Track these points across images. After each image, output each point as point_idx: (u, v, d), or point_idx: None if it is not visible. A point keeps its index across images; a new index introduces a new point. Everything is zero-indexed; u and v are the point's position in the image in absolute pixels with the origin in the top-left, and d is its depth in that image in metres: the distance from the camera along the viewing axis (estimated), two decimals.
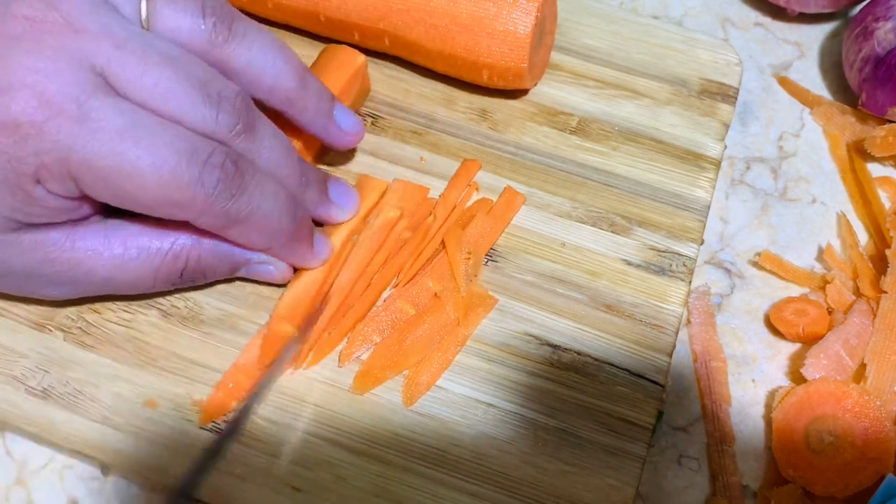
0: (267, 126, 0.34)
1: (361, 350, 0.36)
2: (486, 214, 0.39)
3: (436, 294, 0.37)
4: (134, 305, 0.36)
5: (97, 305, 0.36)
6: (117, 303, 0.36)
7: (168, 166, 0.29)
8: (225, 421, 0.34)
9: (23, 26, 0.29)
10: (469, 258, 0.38)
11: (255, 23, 0.34)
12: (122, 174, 0.29)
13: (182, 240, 0.33)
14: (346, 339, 0.36)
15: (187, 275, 0.34)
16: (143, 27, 0.31)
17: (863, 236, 0.43)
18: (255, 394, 0.34)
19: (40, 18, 0.29)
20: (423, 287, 0.37)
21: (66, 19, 0.29)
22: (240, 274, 0.36)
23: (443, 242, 0.38)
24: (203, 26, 0.32)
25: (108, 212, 0.33)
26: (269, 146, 0.33)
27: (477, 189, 0.41)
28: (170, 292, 0.36)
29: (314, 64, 0.41)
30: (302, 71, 0.35)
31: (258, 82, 0.34)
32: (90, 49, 0.29)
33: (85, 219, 0.33)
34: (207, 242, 0.34)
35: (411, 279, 0.37)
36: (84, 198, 0.31)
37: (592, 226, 0.40)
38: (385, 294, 0.38)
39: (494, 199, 0.41)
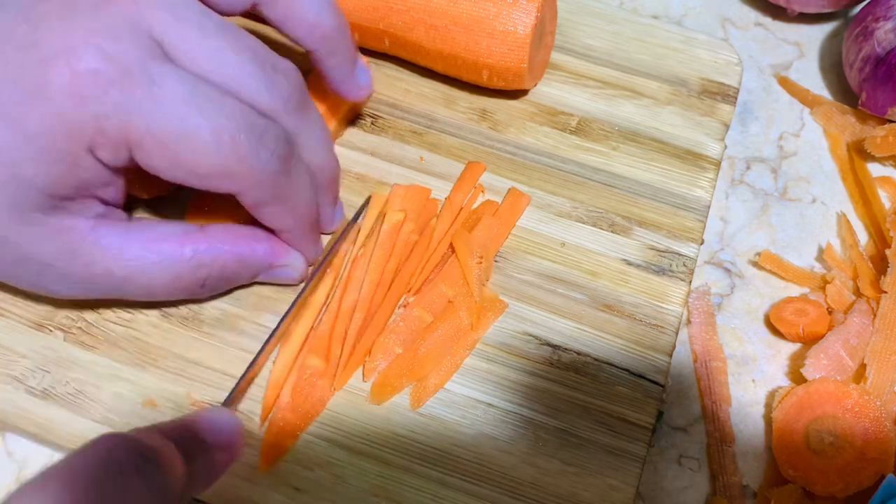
0: (314, 108, 0.34)
1: (384, 362, 0.36)
2: (493, 216, 0.39)
3: (450, 300, 0.37)
4: (134, 305, 0.36)
5: (97, 305, 0.36)
6: (117, 302, 0.36)
7: (228, 136, 0.30)
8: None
9: None
10: (481, 262, 0.38)
11: None
12: (182, 141, 0.29)
13: (205, 247, 0.33)
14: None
15: (210, 283, 0.34)
16: None
17: (863, 236, 0.43)
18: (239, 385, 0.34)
19: None
20: (438, 293, 0.37)
21: None
22: (259, 279, 0.36)
23: (451, 246, 0.38)
24: None
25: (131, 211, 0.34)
26: (318, 127, 0.34)
27: (483, 191, 0.41)
28: None
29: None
30: (341, 16, 0.36)
31: (302, 17, 0.34)
32: (150, 17, 0.29)
33: (105, 207, 0.32)
34: (229, 249, 0.34)
35: (423, 285, 0.37)
36: (125, 168, 0.31)
37: (592, 226, 0.40)
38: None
39: (495, 199, 0.41)
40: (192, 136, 0.29)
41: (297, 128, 0.33)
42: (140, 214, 0.38)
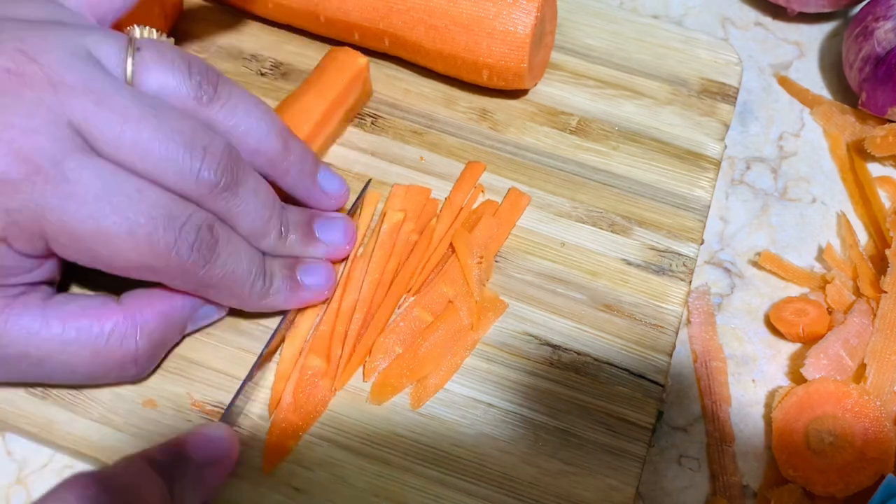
0: (251, 179, 0.32)
1: (385, 362, 0.36)
2: (493, 216, 0.39)
3: (450, 300, 0.37)
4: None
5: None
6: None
7: (144, 232, 0.29)
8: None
9: (0, 79, 0.28)
10: (481, 262, 0.38)
11: (239, 85, 0.33)
12: (98, 239, 0.28)
13: (122, 321, 0.31)
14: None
15: (142, 355, 0.32)
16: (127, 83, 0.30)
17: (863, 236, 0.43)
18: (242, 389, 0.34)
19: (19, 72, 0.28)
20: (438, 293, 0.37)
21: (45, 73, 0.28)
22: (188, 330, 0.35)
23: (451, 246, 0.38)
24: (189, 86, 0.31)
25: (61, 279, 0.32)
26: (253, 201, 0.32)
27: (483, 191, 0.41)
28: None
29: (317, 67, 0.41)
30: (285, 134, 0.34)
31: (242, 144, 0.33)
32: (69, 105, 0.28)
33: (25, 287, 0.31)
34: (149, 312, 0.32)
35: (423, 285, 0.37)
36: (46, 256, 0.30)
37: (592, 226, 0.40)
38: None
39: (495, 198, 0.41)
40: (106, 234, 0.28)
41: (230, 207, 0.31)
42: (74, 288, 0.36)
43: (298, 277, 0.35)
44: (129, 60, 0.30)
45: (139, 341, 0.32)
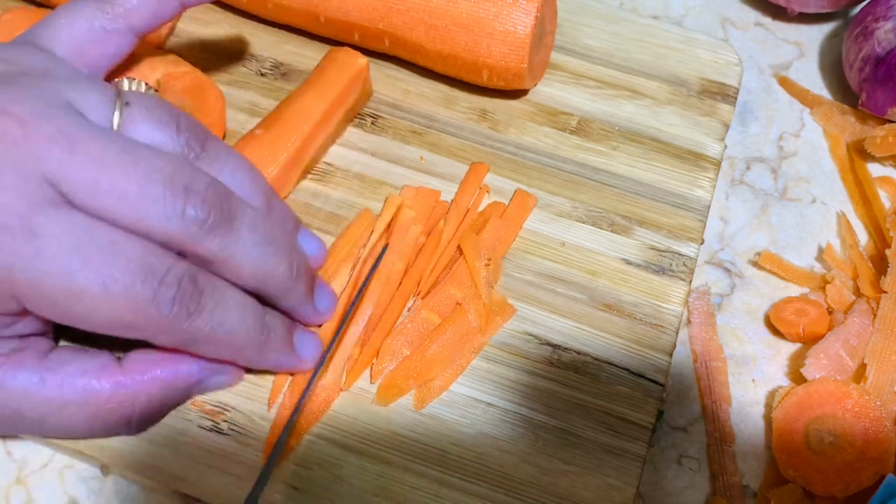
0: (247, 214, 0.31)
1: (392, 364, 0.36)
2: (500, 218, 0.39)
3: (458, 302, 0.37)
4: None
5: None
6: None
7: (120, 287, 0.27)
8: (226, 422, 0.34)
9: None
10: (489, 264, 0.38)
11: (226, 144, 0.33)
12: (70, 296, 0.27)
13: (123, 380, 0.30)
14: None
15: (137, 420, 0.31)
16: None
17: (863, 236, 0.43)
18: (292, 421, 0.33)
19: None
20: (446, 295, 0.37)
21: (19, 124, 0.27)
22: (193, 395, 0.34)
23: (459, 248, 0.38)
24: (176, 141, 0.30)
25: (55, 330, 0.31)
26: (251, 238, 0.30)
27: (488, 192, 0.41)
28: None
29: (317, 67, 0.41)
30: (269, 193, 0.33)
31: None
32: (42, 155, 0.27)
33: (18, 341, 0.30)
34: (150, 379, 0.31)
35: (431, 288, 0.37)
36: (21, 314, 0.29)
37: (592, 225, 0.40)
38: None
39: (496, 198, 0.41)
40: (80, 290, 0.27)
41: (220, 248, 0.29)
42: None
43: (294, 340, 0.34)
44: (117, 114, 0.29)
45: (136, 407, 0.31)
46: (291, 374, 0.35)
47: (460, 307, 0.37)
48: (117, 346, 0.31)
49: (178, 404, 0.34)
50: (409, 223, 0.38)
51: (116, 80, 0.32)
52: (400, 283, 0.37)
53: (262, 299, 0.32)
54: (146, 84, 0.32)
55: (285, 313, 0.34)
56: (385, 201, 0.40)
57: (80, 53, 0.32)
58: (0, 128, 0.27)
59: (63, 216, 0.27)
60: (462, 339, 0.36)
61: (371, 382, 0.35)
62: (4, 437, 0.33)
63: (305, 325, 0.35)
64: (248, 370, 0.34)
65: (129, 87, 0.31)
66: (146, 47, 0.40)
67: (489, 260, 0.38)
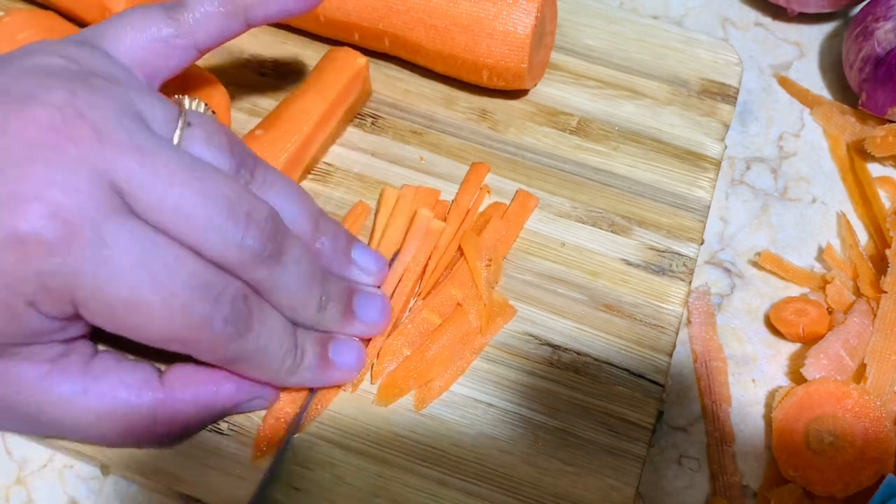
0: (294, 248, 0.31)
1: (393, 364, 0.36)
2: (501, 219, 0.39)
3: (459, 303, 0.37)
4: None
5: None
6: None
7: (180, 303, 0.27)
8: (226, 422, 0.34)
9: (46, 133, 0.26)
10: (490, 265, 0.38)
11: (276, 169, 0.33)
12: (128, 308, 0.27)
13: (161, 397, 0.31)
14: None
15: (173, 438, 0.32)
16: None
17: (863, 236, 0.43)
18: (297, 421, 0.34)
19: (65, 127, 0.26)
20: (447, 296, 0.37)
21: (92, 129, 0.27)
22: (229, 415, 0.34)
23: (460, 249, 0.38)
24: (229, 165, 0.30)
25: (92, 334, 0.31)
26: (296, 270, 0.31)
27: (489, 192, 0.41)
28: None
29: (316, 66, 0.41)
30: (317, 216, 0.34)
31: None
32: (113, 162, 0.27)
33: (64, 345, 0.30)
34: (190, 399, 0.31)
35: (433, 288, 0.37)
36: (73, 319, 0.28)
37: (592, 226, 0.40)
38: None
39: (496, 198, 0.41)
40: (141, 304, 0.27)
41: (266, 278, 0.30)
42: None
43: (330, 356, 0.34)
44: (178, 133, 0.29)
45: (174, 426, 0.31)
46: (338, 387, 0.35)
47: (461, 308, 0.37)
48: (155, 354, 0.31)
49: (214, 422, 0.34)
50: (427, 222, 0.38)
51: (177, 96, 0.31)
52: (398, 283, 0.37)
53: None
54: (206, 104, 0.32)
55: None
56: (381, 195, 0.40)
57: (141, 62, 0.31)
58: (76, 132, 0.26)
59: (130, 226, 0.27)
60: (462, 340, 0.36)
61: (371, 383, 0.35)
62: (34, 436, 0.33)
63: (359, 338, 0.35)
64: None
65: (191, 107, 0.31)
66: None
67: (490, 261, 0.38)
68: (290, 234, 0.31)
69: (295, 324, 0.32)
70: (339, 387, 0.35)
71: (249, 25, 0.34)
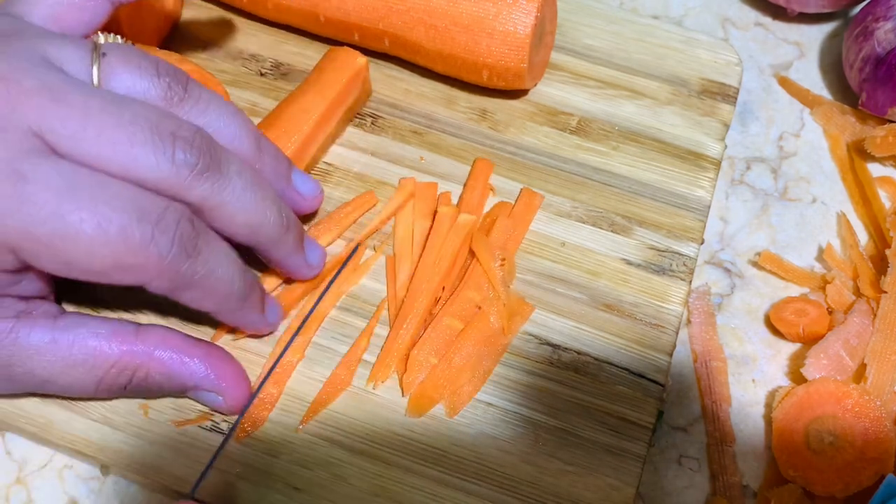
0: (234, 162, 0.31)
1: (422, 375, 0.35)
2: (507, 217, 0.39)
3: (478, 306, 0.37)
4: (133, 306, 0.36)
5: (97, 307, 0.36)
6: (116, 303, 0.36)
7: (115, 227, 0.27)
8: (226, 422, 0.34)
9: None
10: (503, 264, 0.38)
11: (212, 90, 0.33)
12: (65, 240, 0.27)
13: (131, 353, 0.31)
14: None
15: (131, 389, 0.32)
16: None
17: (863, 236, 0.43)
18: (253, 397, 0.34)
19: None
20: (466, 299, 0.37)
21: (1, 78, 0.27)
22: (187, 396, 0.34)
23: (471, 251, 0.38)
24: (158, 86, 0.30)
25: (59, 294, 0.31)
26: (239, 184, 0.31)
27: (493, 191, 0.41)
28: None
29: (316, 66, 0.41)
30: (257, 134, 0.33)
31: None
32: (25, 107, 0.27)
33: (25, 302, 0.30)
34: (158, 359, 0.32)
35: (451, 294, 0.37)
36: (22, 270, 0.29)
37: (592, 225, 0.40)
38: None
39: (500, 199, 0.41)
40: (74, 233, 0.27)
41: (211, 193, 0.30)
42: (72, 307, 0.36)
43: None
44: (95, 66, 0.29)
45: (134, 378, 0.32)
46: (256, 337, 0.35)
47: (481, 311, 0.37)
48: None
49: (173, 394, 0.34)
50: (450, 219, 0.38)
51: (92, 35, 0.32)
52: (413, 278, 0.37)
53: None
54: (121, 37, 0.32)
55: (275, 266, 0.35)
56: (399, 185, 0.40)
57: (54, 19, 0.31)
58: None
59: (50, 163, 0.27)
60: (486, 342, 0.36)
61: (402, 395, 0.35)
62: (16, 396, 0.34)
63: (296, 278, 0.36)
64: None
65: (105, 40, 0.31)
66: (149, 47, 0.40)
67: (503, 260, 0.38)
68: (226, 150, 0.31)
69: (254, 250, 0.33)
70: (341, 388, 0.35)
71: None
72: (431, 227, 0.39)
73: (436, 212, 0.39)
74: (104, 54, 0.30)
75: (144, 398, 0.34)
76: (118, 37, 0.32)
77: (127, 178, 0.28)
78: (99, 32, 0.32)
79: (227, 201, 0.30)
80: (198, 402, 0.34)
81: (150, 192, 0.28)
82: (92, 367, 0.31)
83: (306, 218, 0.39)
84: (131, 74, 0.30)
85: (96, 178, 0.27)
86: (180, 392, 0.33)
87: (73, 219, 0.27)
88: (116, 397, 0.33)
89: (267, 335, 0.36)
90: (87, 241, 0.27)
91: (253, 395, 0.34)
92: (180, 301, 0.31)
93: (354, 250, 0.38)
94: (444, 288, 0.37)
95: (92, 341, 0.31)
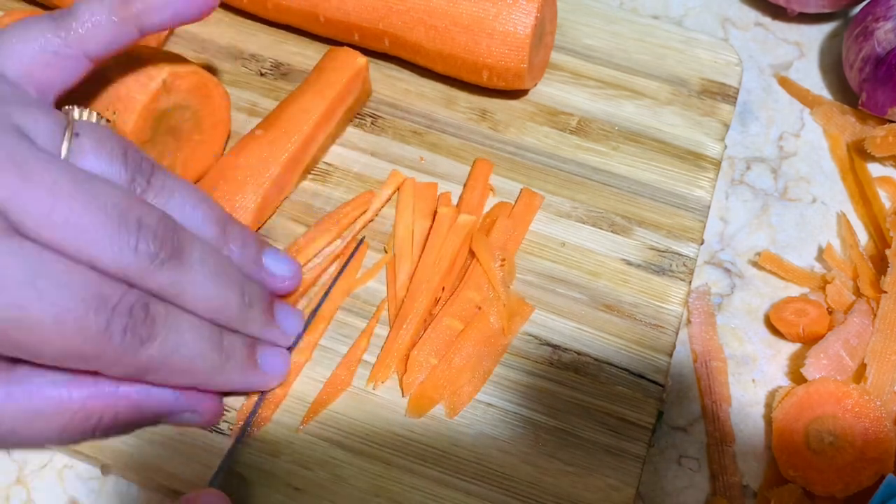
0: (197, 249, 0.30)
1: (422, 375, 0.35)
2: (507, 217, 0.39)
3: (478, 306, 0.37)
4: None
5: None
6: None
7: (73, 318, 0.26)
8: (226, 422, 0.34)
9: None
10: (503, 264, 0.38)
11: (177, 176, 0.32)
12: (22, 329, 0.26)
13: (94, 396, 0.29)
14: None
15: (102, 431, 0.30)
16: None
17: (863, 236, 0.43)
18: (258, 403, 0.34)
19: None
20: (466, 300, 0.37)
21: None
22: (165, 423, 0.33)
23: (471, 252, 0.38)
24: (124, 175, 0.29)
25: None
26: (201, 271, 0.30)
27: (493, 191, 0.41)
28: None
29: (316, 66, 0.41)
30: (224, 220, 0.33)
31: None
32: None
33: None
34: (124, 396, 0.30)
35: (451, 294, 0.37)
36: None
37: (592, 226, 0.40)
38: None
39: (500, 199, 0.41)
40: (31, 323, 0.26)
41: (170, 282, 0.29)
42: None
43: (258, 358, 0.33)
44: (66, 145, 0.28)
45: (102, 422, 0.30)
46: (262, 393, 0.35)
47: (481, 311, 0.37)
48: None
49: (150, 424, 0.32)
50: (450, 219, 0.38)
51: (66, 108, 0.31)
52: (413, 278, 0.37)
53: None
54: (97, 114, 0.31)
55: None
56: (389, 177, 0.40)
57: (29, 76, 0.30)
58: None
59: (15, 246, 0.26)
60: (486, 343, 0.36)
61: (402, 396, 0.35)
62: None
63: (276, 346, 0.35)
64: (226, 394, 0.34)
65: (80, 117, 0.30)
66: (151, 47, 0.40)
67: (503, 260, 0.38)
68: (192, 236, 0.30)
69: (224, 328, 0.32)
70: (342, 388, 0.35)
71: (143, 33, 0.33)
72: (431, 227, 0.39)
73: (436, 212, 0.39)
74: (77, 134, 0.29)
75: (118, 436, 0.32)
76: (95, 113, 0.31)
77: (87, 264, 0.27)
78: (75, 107, 0.31)
79: (186, 290, 0.30)
80: (175, 425, 0.33)
81: (108, 277, 0.28)
82: (54, 414, 0.29)
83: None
84: (99, 158, 0.29)
85: (60, 266, 0.26)
86: (156, 423, 0.32)
87: (32, 310, 0.26)
88: (87, 440, 0.31)
89: (273, 388, 0.35)
90: (43, 332, 0.26)
91: (261, 397, 0.34)
92: (152, 383, 0.30)
93: (359, 244, 0.38)
94: (444, 288, 0.37)
95: (50, 390, 0.29)
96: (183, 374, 0.30)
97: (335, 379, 0.35)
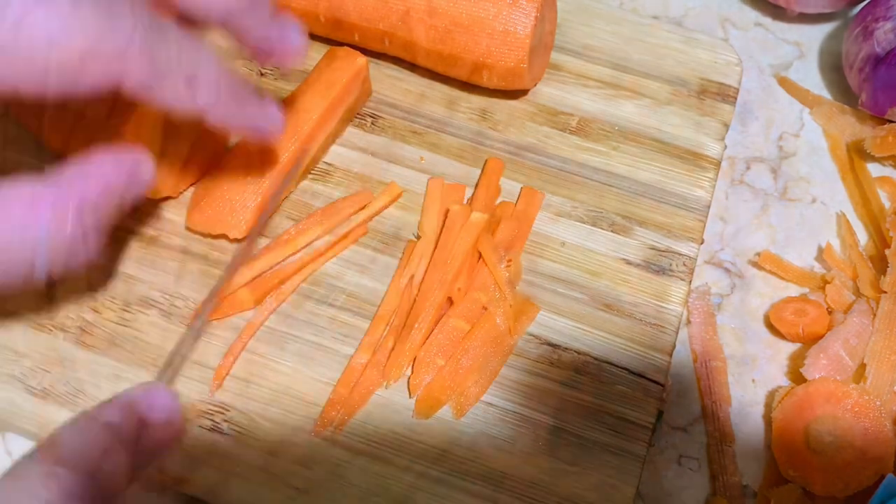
0: None
1: (429, 376, 0.35)
2: (511, 217, 0.39)
3: (485, 307, 0.37)
4: (133, 305, 0.37)
5: (97, 305, 0.36)
6: (117, 302, 0.37)
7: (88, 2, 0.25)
8: (226, 422, 0.34)
9: None
10: (509, 265, 0.38)
11: None
12: (34, 27, 0.24)
13: (61, 201, 0.27)
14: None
15: (92, 238, 0.28)
16: None
17: (862, 236, 0.43)
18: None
19: None
20: (472, 300, 0.37)
21: None
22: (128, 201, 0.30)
23: (478, 253, 0.38)
24: None
25: None
26: None
27: (499, 191, 0.41)
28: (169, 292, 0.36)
29: (316, 66, 0.41)
30: None
31: None
32: None
33: None
34: (90, 187, 0.28)
35: (462, 296, 0.37)
36: None
37: (592, 225, 0.40)
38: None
39: (500, 199, 0.41)
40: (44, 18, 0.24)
41: None
42: None
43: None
44: None
45: (85, 219, 0.28)
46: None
47: (488, 312, 0.37)
48: None
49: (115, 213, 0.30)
50: (461, 218, 0.38)
51: None
52: (421, 284, 0.37)
53: None
54: None
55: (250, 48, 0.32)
56: (387, 187, 0.40)
57: None
58: None
59: None
60: (493, 343, 0.36)
61: (410, 397, 0.35)
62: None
63: (273, 54, 0.32)
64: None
65: None
66: None
67: (509, 261, 0.38)
68: None
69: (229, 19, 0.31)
70: (378, 387, 0.35)
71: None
72: (443, 226, 0.39)
73: (448, 210, 0.39)
74: None
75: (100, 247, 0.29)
76: None
77: None
78: None
79: None
80: (137, 198, 0.30)
81: None
82: (22, 237, 0.26)
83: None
84: None
85: None
86: (121, 205, 0.29)
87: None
88: (80, 250, 0.28)
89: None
90: (59, 26, 0.24)
91: (215, 289, 0.33)
92: (170, 103, 0.28)
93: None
94: (459, 289, 0.37)
95: (23, 188, 0.27)
96: (203, 83, 0.29)
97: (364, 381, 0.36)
